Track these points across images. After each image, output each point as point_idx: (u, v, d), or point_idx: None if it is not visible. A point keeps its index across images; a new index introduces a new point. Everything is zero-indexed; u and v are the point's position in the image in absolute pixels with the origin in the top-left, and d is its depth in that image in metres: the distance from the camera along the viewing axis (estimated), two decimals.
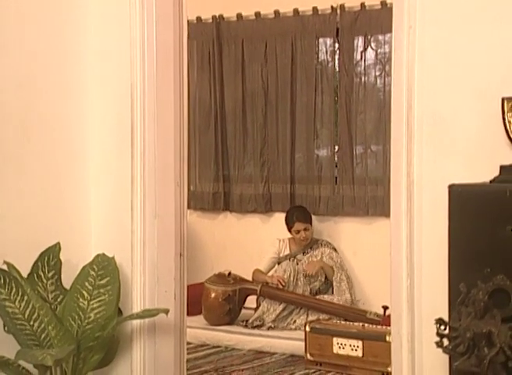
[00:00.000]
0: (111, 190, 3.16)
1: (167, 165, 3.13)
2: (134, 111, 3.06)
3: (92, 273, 2.94)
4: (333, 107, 5.95)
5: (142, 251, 3.07)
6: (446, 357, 2.10)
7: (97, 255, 3.01)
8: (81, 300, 2.91)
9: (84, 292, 2.91)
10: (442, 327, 2.03)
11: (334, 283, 5.65)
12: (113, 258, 2.98)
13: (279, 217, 6.16)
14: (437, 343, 2.02)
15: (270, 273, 5.74)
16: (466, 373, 1.93)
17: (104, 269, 2.95)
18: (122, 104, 3.08)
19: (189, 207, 6.16)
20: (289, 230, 5.77)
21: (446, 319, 2.06)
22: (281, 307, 5.51)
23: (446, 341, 2.02)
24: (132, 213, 3.08)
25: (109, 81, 3.14)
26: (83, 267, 2.99)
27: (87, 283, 2.93)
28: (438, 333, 2.03)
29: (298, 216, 5.70)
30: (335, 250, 5.79)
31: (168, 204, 3.13)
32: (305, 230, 5.72)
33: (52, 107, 3.09)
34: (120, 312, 3.01)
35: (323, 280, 5.69)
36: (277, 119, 6.10)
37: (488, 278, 2.01)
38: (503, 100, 2.29)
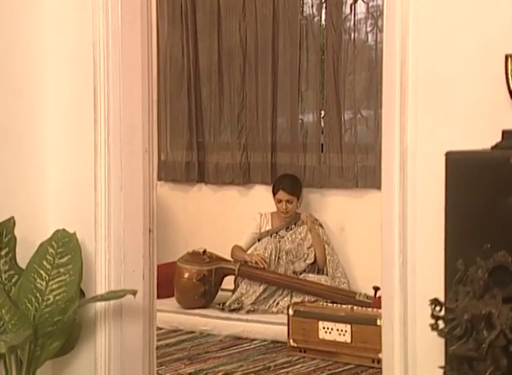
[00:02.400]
0: (71, 159, 3.15)
1: (134, 131, 3.12)
2: (97, 71, 3.04)
3: (51, 250, 2.94)
4: (319, 67, 5.94)
5: (107, 226, 3.07)
6: (441, 341, 2.12)
7: (57, 231, 3.00)
8: (38, 280, 2.90)
9: (42, 272, 2.91)
10: (438, 308, 2.05)
11: (329, 267, 5.66)
12: (74, 234, 2.98)
13: (259, 189, 6.17)
14: (432, 325, 2.04)
15: (250, 251, 5.76)
16: (463, 358, 1.95)
17: (64, 246, 2.94)
18: (83, 63, 3.06)
19: (159, 178, 6.22)
20: (274, 197, 5.78)
21: (442, 299, 2.08)
22: (261, 288, 5.54)
23: (441, 324, 2.04)
24: (95, 184, 3.07)
25: (68, 37, 3.11)
26: (41, 244, 2.98)
27: (45, 262, 2.92)
28: (433, 315, 2.05)
29: (286, 184, 5.72)
30: (321, 226, 5.81)
31: (135, 174, 3.12)
32: (288, 201, 5.73)
33: (4, 67, 3.06)
34: (82, 293, 3.01)
35: (312, 259, 5.71)
36: (257, 80, 6.08)
37: (489, 254, 2.03)
38: (506, 57, 2.29)
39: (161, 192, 6.12)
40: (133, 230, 3.11)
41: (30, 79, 3.13)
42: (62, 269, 2.91)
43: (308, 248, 5.76)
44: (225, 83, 6.21)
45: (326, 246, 5.77)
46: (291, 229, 5.82)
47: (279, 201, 5.74)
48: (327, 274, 5.67)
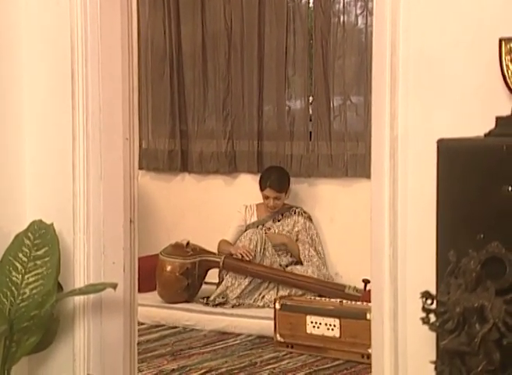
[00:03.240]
0: (49, 147, 3.14)
1: (114, 118, 3.11)
2: (75, 55, 3.03)
3: (27, 242, 2.93)
4: (307, 51, 5.93)
5: (85, 217, 3.06)
6: (432, 335, 2.13)
7: (33, 222, 2.99)
8: (14, 273, 2.90)
9: (18, 264, 2.91)
10: (429, 301, 2.06)
11: (304, 263, 5.69)
12: (52, 225, 2.97)
13: (245, 179, 6.18)
14: (423, 319, 2.05)
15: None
16: (455, 353, 1.96)
17: (41, 237, 2.94)
18: (61, 47, 3.05)
19: (140, 167, 6.22)
20: (261, 190, 5.78)
21: (433, 292, 2.09)
22: (247, 281, 5.55)
23: (432, 317, 2.05)
24: (73, 174, 3.06)
25: (45, 20, 3.09)
26: (17, 236, 2.98)
27: (21, 255, 2.92)
28: (424, 309, 2.06)
29: (273, 180, 5.72)
30: (310, 220, 5.82)
31: (115, 163, 3.12)
32: (275, 198, 5.74)
33: None
34: (60, 287, 3.00)
35: (289, 258, 5.73)
36: (242, 65, 6.07)
37: (482, 245, 2.03)
38: (500, 41, 2.29)
39: (143, 182, 6.12)
40: (113, 221, 3.11)
41: (4, 64, 3.11)
42: (38, 262, 2.90)
43: (296, 241, 5.77)
44: (210, 68, 6.20)
45: (315, 238, 5.78)
46: (278, 220, 5.82)
47: (266, 198, 5.76)
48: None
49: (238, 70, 6.10)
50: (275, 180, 5.73)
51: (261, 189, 5.77)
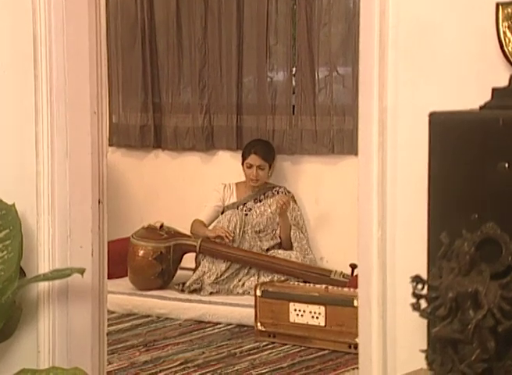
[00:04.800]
0: (9, 121, 3.12)
1: (80, 89, 3.09)
2: (37, 20, 3.00)
3: None
4: (290, 18, 5.93)
5: (50, 197, 3.05)
6: (423, 322, 2.14)
7: None
8: None
9: None
10: (420, 286, 2.06)
11: (294, 244, 5.70)
12: (13, 205, 2.96)
13: (224, 156, 6.18)
14: (413, 305, 2.06)
15: (212, 226, 5.77)
16: (447, 341, 1.97)
17: (1, 219, 2.92)
18: (21, 11, 3.02)
19: (110, 143, 6.21)
20: (242, 164, 5.78)
21: (425, 276, 2.10)
22: (225, 266, 5.56)
23: (423, 303, 2.05)
24: (36, 150, 3.05)
25: None
26: None
27: None
28: (414, 294, 2.06)
29: (258, 148, 5.73)
30: (294, 200, 5.83)
31: (82, 139, 3.11)
32: (259, 167, 5.74)
33: None
34: (23, 272, 3.00)
35: (271, 241, 5.74)
36: (220, 32, 6.06)
37: (476, 226, 2.04)
38: (497, 6, 2.30)
39: (113, 159, 6.11)
40: (80, 201, 3.10)
41: None
42: None
43: (278, 224, 5.78)
44: (185, 36, 6.18)
45: (299, 220, 5.80)
46: (260, 201, 5.83)
47: (249, 167, 5.75)
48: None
49: (215, 38, 6.08)
50: (261, 147, 5.75)
51: (244, 159, 5.76)
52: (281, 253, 5.67)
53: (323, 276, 5.43)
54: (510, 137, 2.05)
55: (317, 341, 4.80)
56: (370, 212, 2.59)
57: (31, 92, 3.04)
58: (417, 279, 2.08)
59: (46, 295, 3.06)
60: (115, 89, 6.35)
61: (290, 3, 5.94)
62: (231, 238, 5.58)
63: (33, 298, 3.06)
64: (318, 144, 5.88)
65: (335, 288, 4.98)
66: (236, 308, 5.25)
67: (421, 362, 2.11)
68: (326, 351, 4.74)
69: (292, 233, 5.72)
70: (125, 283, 5.63)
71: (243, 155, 5.81)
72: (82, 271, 2.89)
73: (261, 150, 5.74)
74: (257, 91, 6.08)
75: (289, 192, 5.86)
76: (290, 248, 5.71)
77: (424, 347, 2.11)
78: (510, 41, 2.30)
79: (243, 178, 5.86)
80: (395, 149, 2.54)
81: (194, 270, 5.66)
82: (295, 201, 5.85)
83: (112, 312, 5.22)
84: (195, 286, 5.54)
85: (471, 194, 2.12)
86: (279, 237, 5.76)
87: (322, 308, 4.79)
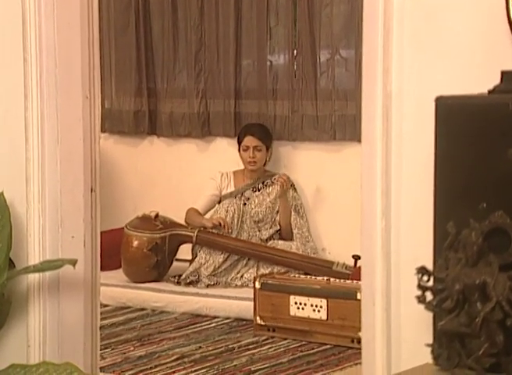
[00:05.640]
0: None
1: (72, 73, 3.09)
2: (26, 1, 3.00)
3: None
4: None
5: (40, 185, 3.05)
6: (429, 315, 2.15)
7: None
8: None
9: None
10: (425, 278, 2.07)
11: (294, 231, 5.71)
12: (1, 194, 2.96)
13: (221, 143, 6.18)
14: (418, 298, 2.06)
15: (208, 216, 5.77)
16: (453, 335, 1.98)
17: None
18: None
19: (103, 129, 6.20)
20: (239, 149, 5.78)
21: (430, 267, 2.10)
22: (222, 258, 5.56)
23: (429, 296, 2.06)
24: (26, 136, 3.05)
25: None
26: None
27: None
28: (419, 286, 2.07)
29: (254, 130, 5.73)
30: (294, 189, 5.83)
31: (74, 125, 3.11)
32: (256, 148, 5.73)
33: None
34: (12, 264, 3.00)
35: (270, 230, 5.75)
36: (217, 13, 6.05)
37: (484, 215, 2.04)
38: None
39: (106, 146, 6.11)
40: (71, 189, 3.10)
41: None
42: None
43: (278, 213, 5.79)
44: (180, 17, 6.17)
45: (299, 209, 5.80)
46: (258, 189, 5.83)
47: (245, 149, 5.75)
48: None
49: (212, 20, 6.07)
50: (257, 129, 5.76)
51: (240, 142, 5.76)
52: (281, 244, 5.67)
53: (325, 267, 5.44)
54: None
55: (318, 335, 4.81)
56: (374, 202, 2.59)
57: (20, 76, 3.04)
58: (422, 270, 2.08)
59: (36, 287, 3.06)
60: (108, 73, 6.34)
61: None
62: (229, 228, 5.58)
63: (22, 290, 3.06)
64: (319, 130, 5.88)
65: (337, 280, 4.98)
66: (234, 301, 5.26)
67: (426, 357, 2.11)
68: (328, 346, 4.75)
69: (292, 220, 5.72)
70: (118, 275, 5.64)
71: (238, 140, 5.81)
72: (74, 262, 2.90)
73: (257, 131, 5.75)
74: (256, 74, 6.08)
75: (288, 178, 5.86)
76: (290, 235, 5.71)
77: (430, 341, 2.11)
78: None
79: (241, 166, 5.86)
80: (400, 135, 2.54)
81: (191, 262, 5.67)
82: (295, 190, 5.85)
83: (106, 306, 5.23)
84: (192, 278, 5.55)
85: (479, 182, 2.12)
86: (279, 224, 5.76)
87: (324, 302, 4.79)
